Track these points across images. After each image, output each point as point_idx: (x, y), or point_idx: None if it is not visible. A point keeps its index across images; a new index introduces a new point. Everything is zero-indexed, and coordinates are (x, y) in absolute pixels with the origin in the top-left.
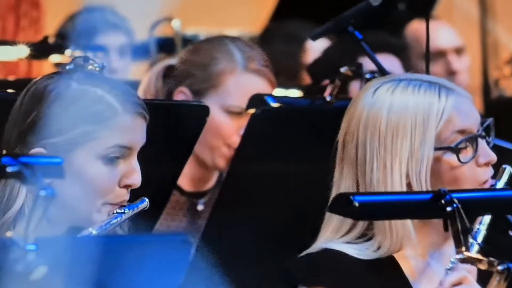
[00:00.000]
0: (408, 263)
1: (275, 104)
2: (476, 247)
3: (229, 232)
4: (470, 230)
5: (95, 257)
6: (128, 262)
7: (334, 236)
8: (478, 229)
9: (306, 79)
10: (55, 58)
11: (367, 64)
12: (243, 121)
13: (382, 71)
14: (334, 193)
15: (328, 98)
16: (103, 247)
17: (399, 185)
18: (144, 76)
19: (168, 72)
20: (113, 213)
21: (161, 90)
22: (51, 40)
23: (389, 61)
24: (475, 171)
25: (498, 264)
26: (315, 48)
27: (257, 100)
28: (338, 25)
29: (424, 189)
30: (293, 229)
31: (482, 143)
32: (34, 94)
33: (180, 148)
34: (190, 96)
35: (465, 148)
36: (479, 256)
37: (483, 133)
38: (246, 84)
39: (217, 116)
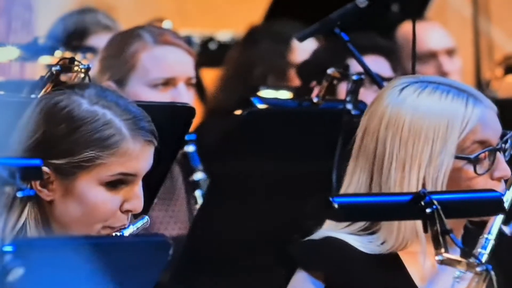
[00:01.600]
0: (414, 260)
1: (261, 106)
2: (485, 256)
3: (216, 232)
4: (449, 231)
5: (74, 259)
6: (107, 263)
7: (337, 225)
8: (486, 238)
9: (296, 79)
10: (45, 59)
11: (355, 66)
12: (170, 91)
13: (368, 73)
14: (345, 185)
15: (315, 100)
16: (83, 249)
17: (415, 189)
18: None
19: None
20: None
21: None
22: (41, 41)
23: (378, 63)
24: (488, 183)
25: (477, 266)
26: (304, 48)
27: (243, 102)
28: (325, 26)
29: None
30: (279, 229)
31: (500, 157)
32: (43, 111)
33: (165, 151)
34: (115, 87)
35: (483, 159)
36: (458, 258)
37: (503, 146)
38: (160, 55)
39: (145, 95)
